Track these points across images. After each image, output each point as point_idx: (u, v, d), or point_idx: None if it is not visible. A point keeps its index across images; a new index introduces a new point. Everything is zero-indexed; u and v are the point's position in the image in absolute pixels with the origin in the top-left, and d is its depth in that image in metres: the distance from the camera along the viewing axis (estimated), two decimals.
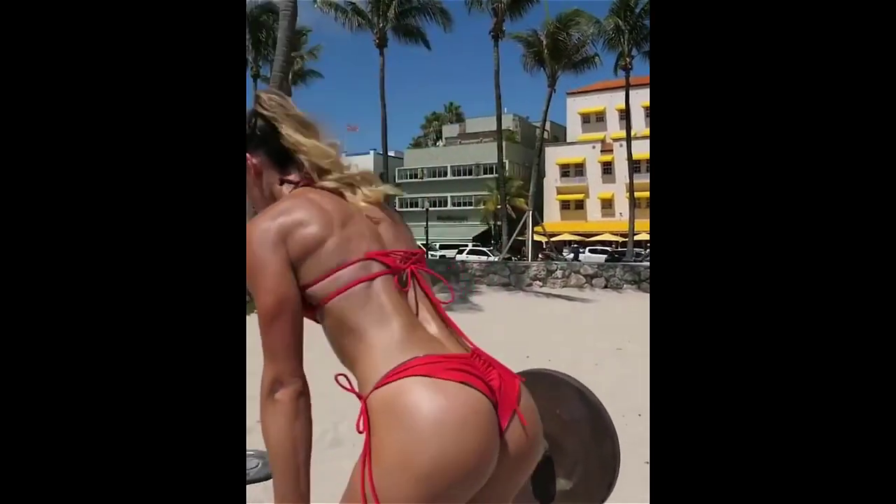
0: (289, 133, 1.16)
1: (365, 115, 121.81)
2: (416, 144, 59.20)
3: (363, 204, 1.16)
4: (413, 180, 50.63)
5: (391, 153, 41.02)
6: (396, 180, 49.82)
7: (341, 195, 1.16)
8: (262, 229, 1.04)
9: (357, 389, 1.05)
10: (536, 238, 25.60)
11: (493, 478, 0.99)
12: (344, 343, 1.06)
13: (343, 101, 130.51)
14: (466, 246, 35.68)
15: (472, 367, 1.01)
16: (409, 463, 0.91)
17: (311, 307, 1.08)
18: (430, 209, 41.83)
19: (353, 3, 29.33)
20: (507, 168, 36.20)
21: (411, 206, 49.54)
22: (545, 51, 27.97)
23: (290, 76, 31.56)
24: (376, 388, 0.98)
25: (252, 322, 1.02)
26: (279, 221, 1.05)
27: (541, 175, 35.69)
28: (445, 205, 48.84)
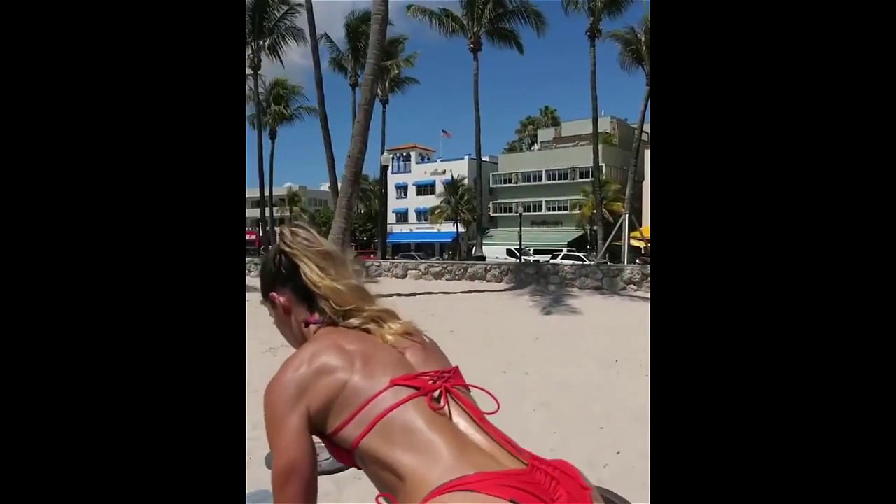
0: (306, 272, 1.15)
1: (460, 120, 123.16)
2: (511, 149, 59.07)
3: (389, 337, 1.12)
4: (507, 185, 50.61)
5: (486, 158, 41.10)
6: (491, 185, 49.95)
7: (367, 331, 1.14)
8: (283, 384, 1.02)
9: None
10: (634, 243, 24.71)
11: None
12: (388, 483, 0.98)
13: (438, 107, 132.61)
14: (560, 251, 35.00)
15: (529, 483, 0.90)
16: None
17: (349, 454, 1.03)
18: (525, 214, 41.51)
19: (447, 9, 29.64)
20: (603, 171, 35.32)
21: (505, 211, 49.48)
22: (643, 48, 27.08)
23: (388, 83, 32.48)
24: None
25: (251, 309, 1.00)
26: (299, 374, 1.02)
27: (639, 178, 34.54)
28: (540, 209, 48.36)
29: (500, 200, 50.59)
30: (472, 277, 16.70)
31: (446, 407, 1.01)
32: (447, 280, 16.88)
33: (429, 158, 55.36)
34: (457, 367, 1.11)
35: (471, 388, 1.08)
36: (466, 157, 48.26)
